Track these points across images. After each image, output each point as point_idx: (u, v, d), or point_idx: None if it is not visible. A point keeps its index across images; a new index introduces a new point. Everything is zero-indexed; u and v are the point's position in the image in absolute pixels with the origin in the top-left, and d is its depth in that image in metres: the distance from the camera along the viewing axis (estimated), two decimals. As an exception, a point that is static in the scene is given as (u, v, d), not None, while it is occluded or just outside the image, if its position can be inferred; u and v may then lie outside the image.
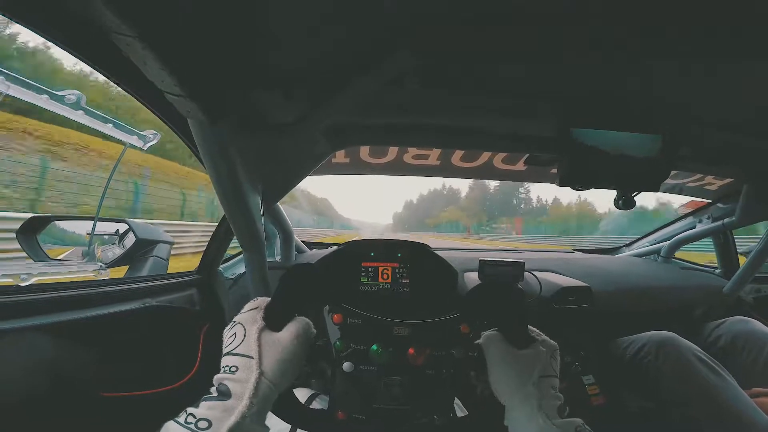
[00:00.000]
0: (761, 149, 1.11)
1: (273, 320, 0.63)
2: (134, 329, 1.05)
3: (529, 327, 0.70)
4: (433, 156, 1.29)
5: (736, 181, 1.48)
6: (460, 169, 1.36)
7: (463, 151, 1.27)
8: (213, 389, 0.55)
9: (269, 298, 0.67)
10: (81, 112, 0.89)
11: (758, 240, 1.64)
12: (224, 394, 0.53)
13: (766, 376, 1.20)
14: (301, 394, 0.95)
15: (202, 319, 1.31)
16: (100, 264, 1.16)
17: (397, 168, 1.35)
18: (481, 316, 0.77)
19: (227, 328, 0.63)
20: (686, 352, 1.15)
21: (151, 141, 1.04)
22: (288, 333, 0.62)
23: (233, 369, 0.56)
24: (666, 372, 1.15)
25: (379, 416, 0.73)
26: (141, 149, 1.05)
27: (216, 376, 0.57)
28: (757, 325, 1.37)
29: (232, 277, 1.46)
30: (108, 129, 0.97)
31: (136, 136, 1.02)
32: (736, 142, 1.08)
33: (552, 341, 0.68)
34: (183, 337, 1.23)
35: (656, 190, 0.99)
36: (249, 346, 0.58)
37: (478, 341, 0.72)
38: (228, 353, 0.58)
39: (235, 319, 0.64)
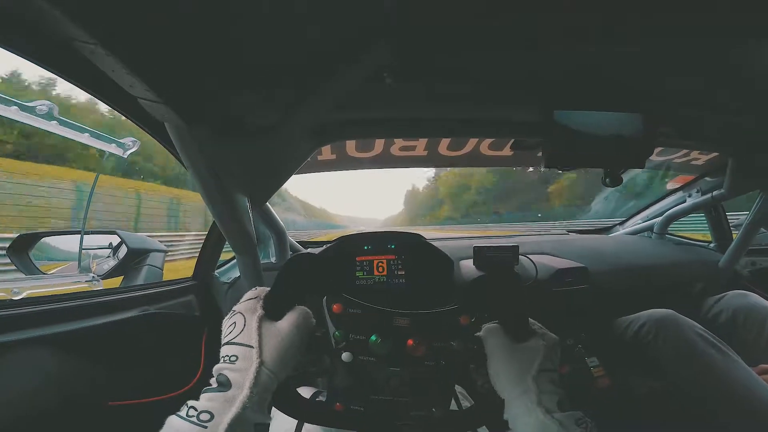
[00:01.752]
0: (741, 124, 1.12)
1: (273, 309, 0.63)
2: (135, 337, 1.06)
3: (530, 320, 0.70)
4: (420, 146, 1.29)
5: (722, 155, 1.49)
6: (448, 158, 1.36)
7: (449, 140, 1.27)
8: (213, 380, 0.55)
9: (268, 288, 0.67)
10: (55, 122, 0.88)
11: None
12: (224, 384, 0.53)
13: None
14: (305, 392, 0.95)
15: (201, 324, 1.31)
16: (93, 276, 1.15)
17: (385, 160, 1.35)
18: (481, 309, 0.77)
19: (227, 317, 0.63)
20: (686, 330, 1.14)
21: (130, 149, 1.04)
22: (288, 322, 0.62)
23: (233, 358, 0.56)
24: (667, 351, 1.15)
25: (377, 408, 0.73)
26: (121, 157, 1.04)
27: (216, 367, 0.57)
28: (757, 298, 1.36)
29: (228, 281, 1.46)
30: (85, 138, 0.96)
31: (114, 144, 1.01)
32: (717, 118, 1.09)
33: (552, 335, 0.68)
34: (183, 342, 1.23)
35: (642, 167, 1.00)
36: (249, 335, 0.58)
37: (478, 333, 0.72)
38: (228, 342, 0.58)
39: (235, 308, 0.64)
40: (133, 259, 1.41)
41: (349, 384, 0.74)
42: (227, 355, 0.57)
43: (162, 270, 1.45)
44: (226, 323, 0.62)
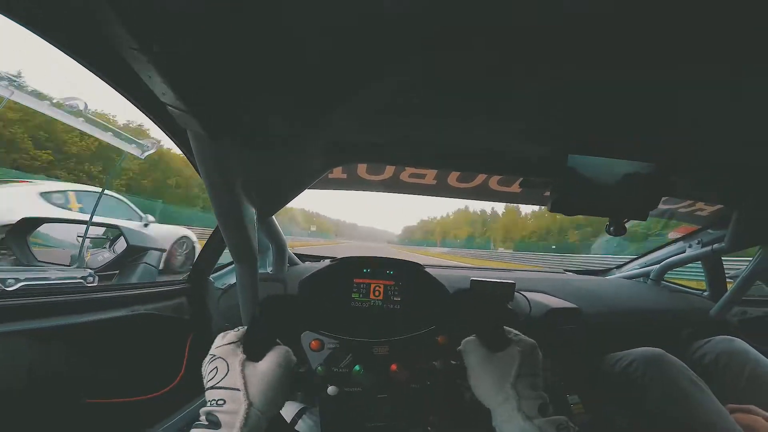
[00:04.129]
0: (751, 177, 1.13)
1: (253, 351, 0.64)
2: (121, 337, 1.05)
3: (506, 328, 0.71)
4: (430, 176, 1.30)
5: (726, 208, 1.51)
6: (456, 189, 1.37)
7: (459, 172, 1.28)
8: (203, 419, 0.56)
9: (245, 328, 0.68)
10: (82, 119, 0.89)
11: (746, 263, 1.66)
12: (215, 424, 0.54)
13: (747, 393, 1.23)
14: (290, 409, 0.94)
15: (190, 328, 1.30)
16: (89, 272, 1.14)
17: (394, 186, 1.36)
18: (457, 326, 0.79)
19: (206, 361, 0.64)
20: (674, 370, 1.17)
21: (149, 150, 1.05)
22: (269, 362, 0.63)
23: (220, 402, 0.56)
24: (653, 388, 1.17)
25: None
26: (139, 157, 1.05)
27: (203, 410, 0.57)
28: (741, 344, 1.40)
29: (223, 287, 1.45)
30: (108, 137, 0.97)
31: (134, 145, 1.02)
32: (727, 170, 1.11)
33: (529, 339, 0.69)
34: (170, 345, 1.22)
35: (644, 219, 1.01)
36: (234, 379, 0.59)
37: (459, 348, 0.73)
38: (213, 387, 0.59)
39: (214, 352, 0.64)
40: (131, 256, 1.40)
41: (340, 415, 0.74)
42: (214, 399, 0.57)
43: (158, 269, 1.44)
44: (207, 368, 0.62)
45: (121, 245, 1.42)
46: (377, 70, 0.70)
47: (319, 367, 0.76)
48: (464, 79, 0.73)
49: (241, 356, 0.62)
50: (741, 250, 1.59)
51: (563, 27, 0.56)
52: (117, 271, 1.40)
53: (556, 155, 0.94)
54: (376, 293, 1.10)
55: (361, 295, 1.10)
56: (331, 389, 0.73)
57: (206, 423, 0.54)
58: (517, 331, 0.71)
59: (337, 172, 1.26)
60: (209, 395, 0.58)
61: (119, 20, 0.41)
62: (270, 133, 0.84)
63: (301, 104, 0.79)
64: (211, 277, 1.46)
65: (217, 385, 0.59)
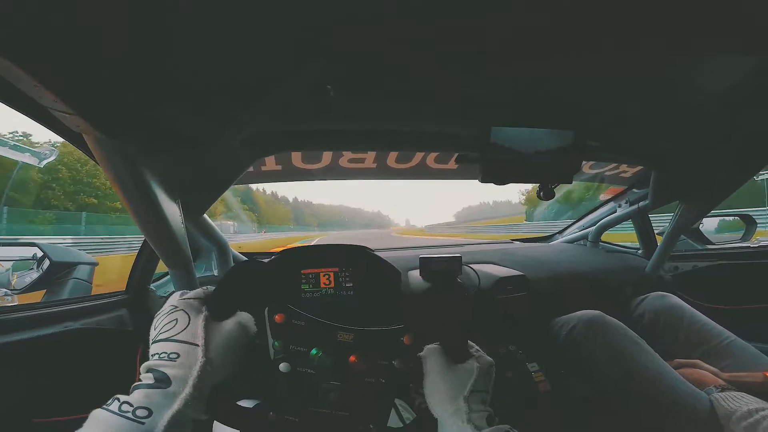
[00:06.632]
0: (662, 141, 1.23)
1: (217, 311, 0.61)
2: (60, 354, 0.99)
3: (469, 343, 0.73)
4: (369, 159, 1.30)
5: (646, 168, 1.63)
6: (396, 170, 1.38)
7: (397, 153, 1.29)
8: (147, 376, 0.52)
9: (212, 288, 0.65)
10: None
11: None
12: (163, 381, 0.50)
13: (685, 348, 1.30)
14: (248, 405, 0.93)
15: (136, 339, 1.23)
16: (5, 291, 1.04)
17: (334, 172, 1.35)
18: (425, 329, 0.79)
19: (163, 312, 0.59)
20: (613, 330, 1.22)
21: (47, 158, 0.95)
22: (234, 323, 0.61)
23: (173, 356, 0.53)
24: (596, 350, 1.21)
25: (313, 420, 0.73)
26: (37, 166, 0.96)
27: (147, 363, 0.53)
28: (674, 299, 1.48)
29: (165, 295, 1.38)
30: (-7, 147, 0.87)
31: (29, 154, 0.92)
32: (639, 135, 1.19)
33: (488, 358, 0.71)
34: (118, 358, 1.16)
35: (569, 182, 1.06)
36: (194, 333, 0.55)
37: (420, 354, 0.74)
38: (167, 339, 0.55)
39: (175, 303, 0.60)
40: (58, 273, 1.30)
41: (285, 394, 0.73)
42: (165, 352, 0.53)
43: (90, 284, 1.35)
44: (164, 320, 0.58)
45: (45, 263, 1.31)
46: (292, 67, 0.67)
47: (275, 342, 0.74)
48: (384, 67, 0.73)
49: (205, 313, 0.59)
50: (663, 205, 1.72)
51: (472, 20, 0.57)
52: (44, 290, 1.31)
53: (480, 129, 0.97)
54: (326, 282, 1.09)
55: (311, 286, 1.08)
56: (283, 366, 0.72)
57: (152, 382, 0.50)
58: (478, 347, 0.73)
59: (271, 164, 1.23)
60: (159, 348, 0.54)
61: None
62: (180, 131, 0.79)
63: (207, 104, 0.74)
64: (152, 285, 1.39)
65: (172, 338, 0.55)
